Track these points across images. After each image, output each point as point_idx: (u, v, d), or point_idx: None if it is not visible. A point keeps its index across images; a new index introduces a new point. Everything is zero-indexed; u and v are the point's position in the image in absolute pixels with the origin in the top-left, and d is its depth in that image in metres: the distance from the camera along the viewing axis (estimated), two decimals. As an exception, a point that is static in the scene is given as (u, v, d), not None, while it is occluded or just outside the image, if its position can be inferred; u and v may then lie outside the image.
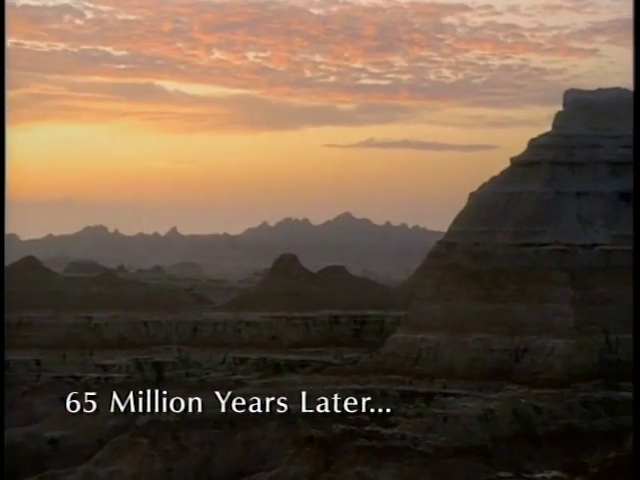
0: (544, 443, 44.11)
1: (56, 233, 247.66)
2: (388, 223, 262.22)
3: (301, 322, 71.58)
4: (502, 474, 38.09)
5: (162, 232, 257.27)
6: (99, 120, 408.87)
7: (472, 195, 64.60)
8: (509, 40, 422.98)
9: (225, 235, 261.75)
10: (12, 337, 78.80)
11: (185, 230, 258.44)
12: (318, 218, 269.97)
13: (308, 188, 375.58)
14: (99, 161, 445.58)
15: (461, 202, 66.53)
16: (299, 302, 73.95)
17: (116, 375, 70.18)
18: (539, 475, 37.27)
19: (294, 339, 70.91)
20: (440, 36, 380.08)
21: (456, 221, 64.67)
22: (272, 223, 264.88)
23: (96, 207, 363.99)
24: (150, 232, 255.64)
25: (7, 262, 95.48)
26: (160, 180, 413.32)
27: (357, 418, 48.00)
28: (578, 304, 53.69)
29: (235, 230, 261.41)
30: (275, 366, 67.55)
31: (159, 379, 70.63)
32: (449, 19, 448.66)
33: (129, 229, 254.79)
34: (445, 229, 68.29)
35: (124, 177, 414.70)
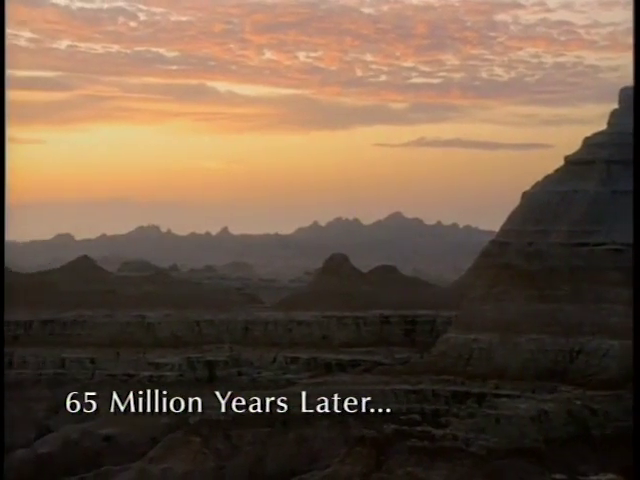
0: (599, 445, 43.49)
1: (110, 233, 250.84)
2: (439, 222, 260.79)
3: (352, 322, 71.50)
4: (556, 476, 37.63)
5: (214, 232, 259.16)
6: (152, 121, 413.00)
7: (525, 194, 63.99)
8: (563, 37, 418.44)
9: (276, 235, 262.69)
10: (67, 335, 79.86)
11: (236, 230, 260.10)
12: (369, 217, 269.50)
13: (359, 188, 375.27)
14: (152, 161, 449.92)
15: (514, 201, 65.97)
16: (350, 302, 73.89)
17: (169, 373, 70.84)
18: (594, 478, 36.74)
19: (345, 339, 70.84)
20: (492, 34, 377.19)
21: (509, 220, 64.09)
22: (323, 223, 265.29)
23: (149, 207, 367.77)
24: (202, 232, 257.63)
25: (63, 262, 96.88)
26: (212, 180, 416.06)
27: (408, 418, 47.79)
28: (634, 304, 52.81)
29: (286, 230, 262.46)
30: (326, 366, 67.58)
31: (211, 378, 71.12)
32: (501, 17, 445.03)
33: (181, 229, 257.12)
34: (497, 229, 67.69)
35: (176, 177, 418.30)
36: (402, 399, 52.14)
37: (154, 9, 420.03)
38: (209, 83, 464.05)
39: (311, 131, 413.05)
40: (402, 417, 46.52)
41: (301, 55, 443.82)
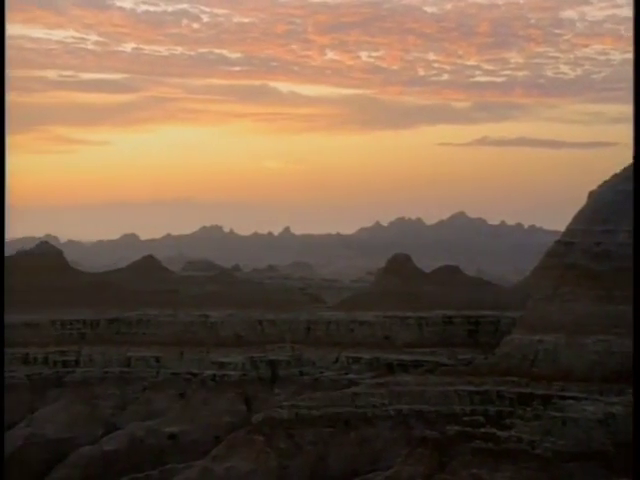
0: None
1: (174, 233, 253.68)
2: (503, 222, 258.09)
3: (414, 322, 71.10)
4: (624, 480, 36.96)
5: (276, 232, 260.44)
6: (215, 122, 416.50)
7: (592, 193, 62.99)
8: (631, 34, 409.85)
9: (338, 235, 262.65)
10: (132, 334, 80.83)
11: (298, 230, 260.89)
12: (431, 217, 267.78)
13: (421, 187, 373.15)
14: (215, 162, 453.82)
15: (579, 201, 64.93)
16: (412, 302, 73.49)
17: (232, 373, 71.31)
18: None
19: (407, 339, 70.49)
20: (558, 31, 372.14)
21: (575, 220, 63.11)
22: (385, 222, 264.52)
23: (212, 207, 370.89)
24: (264, 232, 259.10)
25: (128, 261, 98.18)
26: (274, 180, 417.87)
27: (472, 419, 47.35)
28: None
29: (348, 230, 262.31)
30: (388, 366, 67.30)
31: (274, 377, 71.39)
32: (568, 13, 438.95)
33: (244, 229, 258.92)
34: (562, 228, 66.69)
35: (239, 178, 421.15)
36: (465, 400, 51.70)
37: (217, 11, 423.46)
38: (271, 84, 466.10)
39: (373, 131, 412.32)
40: (465, 418, 46.11)
41: (363, 55, 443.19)
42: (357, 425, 51.97)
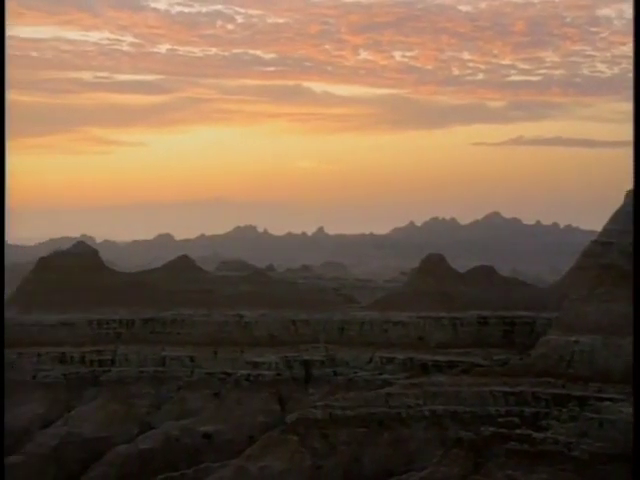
0: None
1: (208, 233, 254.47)
2: (538, 222, 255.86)
3: (449, 322, 70.72)
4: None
5: (309, 232, 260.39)
6: (249, 122, 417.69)
7: (630, 193, 62.28)
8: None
9: (371, 235, 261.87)
10: (167, 334, 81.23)
11: (332, 230, 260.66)
12: (466, 217, 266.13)
13: (456, 187, 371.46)
14: (249, 162, 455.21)
15: (616, 200, 64.21)
16: (447, 302, 73.09)
17: (266, 372, 71.38)
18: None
19: (441, 339, 70.12)
20: (594, 29, 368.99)
21: (612, 220, 62.45)
22: (419, 222, 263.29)
23: (246, 207, 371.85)
24: (298, 232, 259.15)
25: (163, 261, 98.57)
26: (308, 180, 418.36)
27: (507, 420, 46.95)
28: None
29: (381, 229, 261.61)
30: (422, 366, 66.98)
31: (307, 377, 71.35)
32: (605, 11, 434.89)
33: (278, 229, 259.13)
34: (599, 228, 66.00)
35: (273, 178, 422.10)
36: (500, 401, 51.30)
37: (251, 12, 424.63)
38: (305, 84, 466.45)
39: (407, 131, 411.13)
40: (500, 419, 45.74)
41: (397, 55, 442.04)
42: (391, 425, 51.72)
